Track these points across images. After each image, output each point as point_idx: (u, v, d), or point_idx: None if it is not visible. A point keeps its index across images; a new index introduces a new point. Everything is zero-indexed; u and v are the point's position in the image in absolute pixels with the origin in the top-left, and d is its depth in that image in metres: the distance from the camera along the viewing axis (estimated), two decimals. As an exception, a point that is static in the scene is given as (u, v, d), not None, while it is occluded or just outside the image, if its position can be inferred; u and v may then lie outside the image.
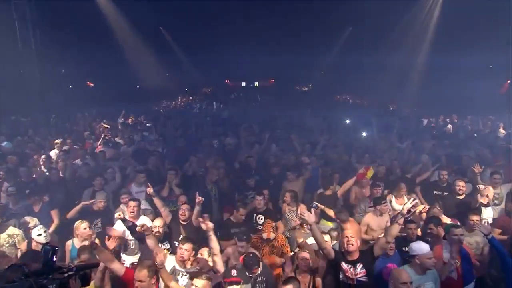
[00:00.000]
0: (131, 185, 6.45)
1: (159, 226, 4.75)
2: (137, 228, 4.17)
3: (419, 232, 4.81)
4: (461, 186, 5.63)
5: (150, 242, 4.07)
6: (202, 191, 6.16)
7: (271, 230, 4.74)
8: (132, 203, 5.11)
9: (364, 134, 10.01)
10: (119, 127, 11.04)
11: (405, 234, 4.64)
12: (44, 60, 14.16)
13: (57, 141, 8.61)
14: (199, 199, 4.83)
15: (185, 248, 3.95)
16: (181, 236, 4.88)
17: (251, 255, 4.02)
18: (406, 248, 4.31)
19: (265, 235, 4.70)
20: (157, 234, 4.59)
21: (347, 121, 12.09)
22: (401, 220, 3.89)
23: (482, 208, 5.33)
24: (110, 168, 6.76)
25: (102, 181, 6.24)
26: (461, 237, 4.10)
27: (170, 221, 5.10)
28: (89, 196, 5.88)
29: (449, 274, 3.95)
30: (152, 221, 5.04)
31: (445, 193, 6.02)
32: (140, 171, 6.63)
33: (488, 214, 5.40)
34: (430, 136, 9.70)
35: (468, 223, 4.56)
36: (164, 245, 4.74)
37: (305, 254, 4.08)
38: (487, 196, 5.45)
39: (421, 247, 3.74)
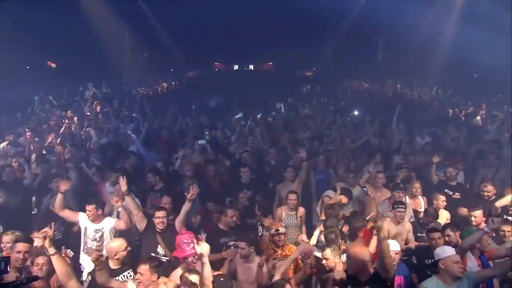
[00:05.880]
0: (105, 185, 6.35)
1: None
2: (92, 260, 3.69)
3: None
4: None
5: (100, 278, 3.65)
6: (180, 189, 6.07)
7: (279, 225, 4.76)
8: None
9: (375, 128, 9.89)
10: (87, 105, 10.73)
11: (428, 245, 4.60)
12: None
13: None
14: (192, 192, 4.67)
15: (139, 272, 3.56)
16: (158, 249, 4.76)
17: (221, 278, 3.86)
18: (430, 260, 4.30)
19: (273, 231, 4.61)
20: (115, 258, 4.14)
21: (356, 113, 11.96)
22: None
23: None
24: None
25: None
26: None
27: (144, 229, 4.92)
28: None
29: None
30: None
31: (456, 194, 6.04)
32: (114, 170, 6.51)
33: None
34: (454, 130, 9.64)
35: None
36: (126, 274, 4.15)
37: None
38: None
39: (444, 250, 3.81)
